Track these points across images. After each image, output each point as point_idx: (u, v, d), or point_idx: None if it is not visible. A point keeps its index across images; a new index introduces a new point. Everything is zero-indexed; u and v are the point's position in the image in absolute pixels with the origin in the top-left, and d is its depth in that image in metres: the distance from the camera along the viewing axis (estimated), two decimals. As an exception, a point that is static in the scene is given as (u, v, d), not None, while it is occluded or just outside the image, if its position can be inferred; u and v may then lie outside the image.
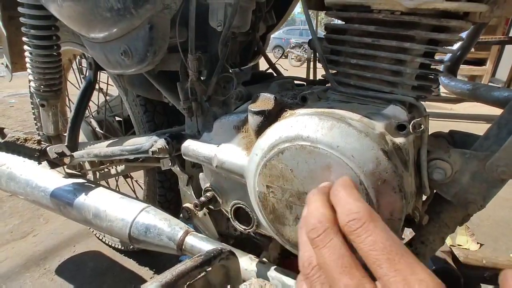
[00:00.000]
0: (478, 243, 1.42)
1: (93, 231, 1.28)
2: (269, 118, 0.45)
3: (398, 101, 0.45)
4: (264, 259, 0.62)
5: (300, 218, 0.44)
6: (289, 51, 8.11)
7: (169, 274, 0.44)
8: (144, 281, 1.10)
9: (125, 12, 0.50)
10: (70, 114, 0.92)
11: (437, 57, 0.47)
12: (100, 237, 1.24)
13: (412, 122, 0.39)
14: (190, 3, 0.52)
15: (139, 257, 1.20)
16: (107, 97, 1.04)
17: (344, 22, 0.47)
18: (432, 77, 0.45)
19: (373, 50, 0.45)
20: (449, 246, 1.30)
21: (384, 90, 0.46)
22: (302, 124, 0.40)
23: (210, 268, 0.48)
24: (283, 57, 8.43)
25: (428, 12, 0.40)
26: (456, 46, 0.69)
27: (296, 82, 0.66)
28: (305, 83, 0.69)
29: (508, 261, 1.14)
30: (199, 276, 0.46)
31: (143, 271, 1.14)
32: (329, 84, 0.53)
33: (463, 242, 1.42)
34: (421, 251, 0.52)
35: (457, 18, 0.40)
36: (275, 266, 0.58)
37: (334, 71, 0.50)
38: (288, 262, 0.66)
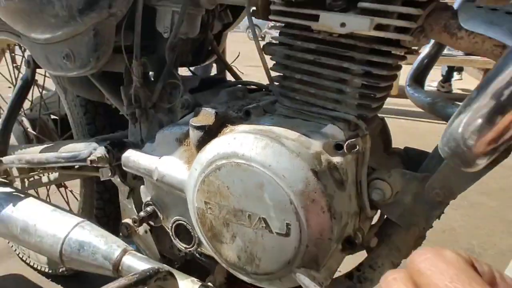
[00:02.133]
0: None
1: (15, 250, 1.33)
2: (209, 133, 0.55)
3: (341, 119, 0.56)
4: (209, 283, 0.72)
5: (236, 237, 0.54)
6: (266, 32, 8.18)
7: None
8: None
9: (70, 19, 0.59)
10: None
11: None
12: (24, 258, 1.30)
13: (346, 143, 0.51)
14: (137, 9, 0.62)
15: (69, 283, 1.26)
16: (43, 92, 1.12)
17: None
18: (374, 96, 0.56)
19: (316, 67, 0.56)
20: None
21: (327, 107, 0.57)
22: (238, 142, 0.51)
23: (145, 288, 0.58)
24: (260, 38, 8.52)
25: (362, 36, 0.51)
26: (422, 55, 0.82)
27: (250, 87, 0.77)
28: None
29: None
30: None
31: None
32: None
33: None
34: (369, 276, 0.63)
35: (389, 44, 0.52)
36: (218, 290, 0.68)
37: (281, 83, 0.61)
38: None
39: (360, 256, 0.67)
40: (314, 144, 0.51)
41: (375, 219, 0.68)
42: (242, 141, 0.50)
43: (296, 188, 0.47)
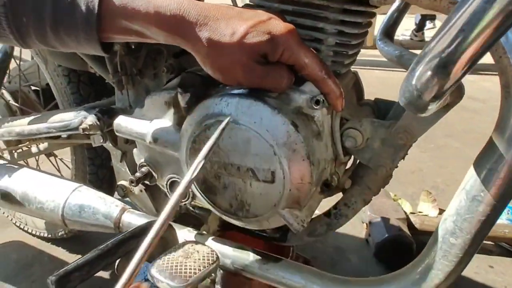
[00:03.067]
0: (439, 208, 1.73)
1: (11, 220, 1.37)
2: (196, 96, 0.59)
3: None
4: (203, 232, 0.79)
5: (227, 187, 0.60)
6: None
7: (109, 243, 0.59)
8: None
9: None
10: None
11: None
12: (22, 226, 1.35)
13: (314, 98, 0.56)
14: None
15: (69, 244, 1.33)
16: (20, 63, 1.11)
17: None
18: (347, 53, 0.61)
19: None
20: (408, 213, 1.59)
21: (304, 66, 0.62)
22: (225, 103, 0.55)
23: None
24: None
25: (334, -3, 0.55)
26: (391, 10, 0.86)
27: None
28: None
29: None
30: (135, 246, 0.61)
31: (75, 259, 1.28)
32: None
33: (424, 209, 1.72)
34: (344, 213, 0.71)
35: (360, 4, 0.56)
36: (213, 237, 0.75)
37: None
38: (228, 235, 0.84)
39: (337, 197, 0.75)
40: (293, 100, 0.56)
41: (349, 164, 0.75)
42: (228, 101, 0.55)
43: (279, 140, 0.53)
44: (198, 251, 0.53)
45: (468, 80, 3.39)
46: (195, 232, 0.77)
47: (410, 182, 1.94)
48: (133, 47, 0.72)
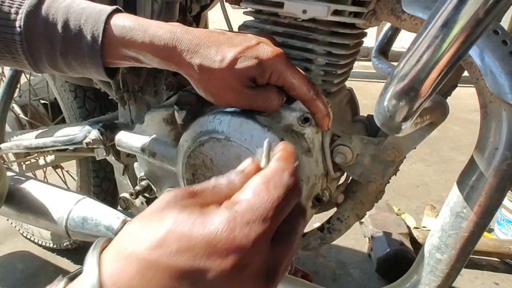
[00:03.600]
0: (443, 224, 1.72)
1: (19, 230, 1.41)
2: (191, 114, 0.62)
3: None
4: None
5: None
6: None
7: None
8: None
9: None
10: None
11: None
12: (28, 236, 1.39)
13: (302, 117, 0.59)
14: (118, 0, 0.67)
15: (74, 255, 1.36)
16: (30, 78, 1.16)
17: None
18: (336, 72, 0.64)
19: (284, 48, 0.63)
20: (412, 228, 1.59)
21: (296, 85, 0.65)
22: (218, 120, 0.58)
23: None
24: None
25: (323, 20, 0.58)
26: (385, 28, 0.89)
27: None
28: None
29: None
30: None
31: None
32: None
33: (428, 224, 1.71)
34: (337, 227, 0.73)
35: (346, 27, 0.59)
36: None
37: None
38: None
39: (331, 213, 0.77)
40: (284, 118, 0.59)
41: (342, 180, 0.77)
42: (221, 120, 0.58)
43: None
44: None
45: (475, 93, 3.39)
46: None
47: (414, 196, 1.94)
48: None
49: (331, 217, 0.74)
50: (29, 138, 0.92)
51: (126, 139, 0.73)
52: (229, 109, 0.59)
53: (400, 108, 0.36)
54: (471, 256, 1.57)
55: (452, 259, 0.55)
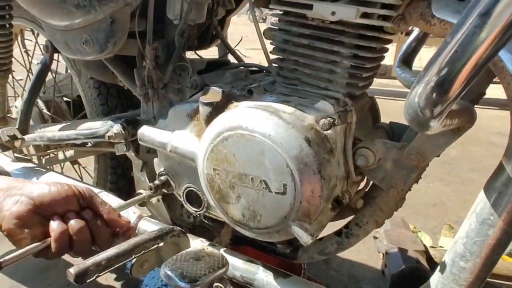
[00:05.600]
0: (461, 245, 1.68)
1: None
2: (216, 109, 0.64)
3: (331, 96, 0.65)
4: (216, 244, 0.82)
5: (241, 197, 0.63)
6: (267, 13, 8.22)
7: (126, 244, 0.62)
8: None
9: (90, 8, 0.67)
10: (13, 93, 1.07)
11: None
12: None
13: (326, 119, 0.59)
14: (149, -1, 0.70)
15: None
16: (55, 75, 1.20)
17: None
18: (361, 75, 0.65)
19: (310, 50, 0.64)
20: (428, 247, 1.56)
21: (320, 86, 0.66)
22: (242, 116, 0.60)
23: (162, 244, 0.67)
24: (261, 20, 8.53)
25: (350, 23, 0.60)
26: (411, 38, 0.90)
27: (252, 69, 0.85)
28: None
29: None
30: (151, 248, 0.65)
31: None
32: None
33: (445, 244, 1.68)
34: (355, 232, 0.73)
35: (374, 30, 0.60)
36: (224, 249, 0.78)
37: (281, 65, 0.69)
38: (240, 249, 0.86)
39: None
40: (307, 117, 0.60)
41: (362, 185, 0.77)
42: (246, 115, 0.59)
43: (292, 153, 0.56)
44: (209, 255, 0.56)
45: (498, 116, 3.35)
46: (208, 243, 0.80)
47: (431, 215, 1.91)
48: (162, 62, 0.78)
49: (349, 222, 0.74)
50: (53, 131, 0.95)
51: (149, 133, 0.74)
52: (253, 104, 0.61)
53: (431, 103, 0.36)
54: (491, 280, 1.52)
55: (477, 268, 0.54)
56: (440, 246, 1.66)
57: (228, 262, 0.56)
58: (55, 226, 0.53)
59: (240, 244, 0.88)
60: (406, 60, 0.93)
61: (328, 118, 0.60)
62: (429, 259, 1.43)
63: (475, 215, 0.54)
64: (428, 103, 0.36)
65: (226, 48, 0.98)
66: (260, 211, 0.62)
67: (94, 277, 0.55)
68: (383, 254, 1.45)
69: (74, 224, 0.54)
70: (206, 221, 0.89)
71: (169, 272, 0.52)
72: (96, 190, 0.91)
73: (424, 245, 1.49)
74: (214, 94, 0.65)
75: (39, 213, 0.52)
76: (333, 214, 0.69)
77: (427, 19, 0.56)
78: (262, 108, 0.60)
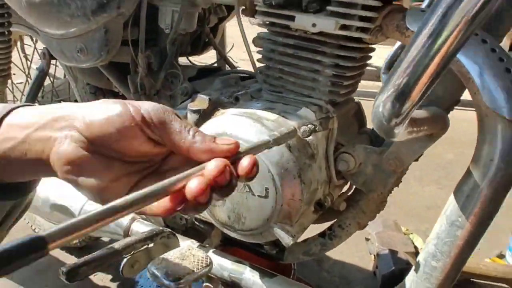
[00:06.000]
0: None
1: (31, 226, 1.47)
2: (203, 116, 0.67)
3: (314, 104, 0.68)
4: (206, 245, 0.85)
5: (226, 200, 0.67)
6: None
7: (117, 244, 0.66)
8: (86, 279, 1.32)
9: (84, 18, 0.71)
10: (12, 97, 1.11)
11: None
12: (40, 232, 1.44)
13: (307, 126, 0.63)
14: (141, 9, 0.73)
15: (82, 253, 1.40)
16: (54, 80, 1.23)
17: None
18: (342, 83, 0.68)
19: (294, 59, 0.67)
20: (420, 248, 1.58)
21: (304, 93, 0.69)
22: (227, 123, 0.63)
23: (152, 244, 0.71)
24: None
25: (331, 34, 0.63)
26: (396, 45, 0.93)
27: (242, 75, 0.88)
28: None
29: (481, 266, 1.41)
30: (141, 249, 0.68)
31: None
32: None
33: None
34: (338, 234, 0.76)
35: (353, 41, 0.63)
36: (213, 249, 0.81)
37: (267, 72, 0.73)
38: (230, 250, 0.89)
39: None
40: (289, 124, 0.63)
41: (345, 188, 0.80)
42: (231, 122, 0.63)
43: (273, 159, 0.60)
44: (194, 254, 0.59)
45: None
46: (198, 244, 0.83)
47: (425, 218, 1.93)
48: (154, 69, 0.82)
49: (332, 224, 0.77)
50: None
51: (141, 138, 0.78)
52: (237, 111, 0.64)
53: (393, 111, 0.40)
54: (478, 280, 1.54)
55: (447, 267, 0.57)
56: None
57: (212, 262, 0.59)
58: None
59: (230, 246, 0.91)
60: (391, 66, 0.96)
61: (309, 125, 0.63)
62: (420, 261, 1.46)
63: (445, 217, 0.57)
64: (390, 112, 0.39)
65: (219, 55, 1.01)
66: (244, 214, 0.65)
67: (85, 276, 0.58)
68: (374, 255, 1.48)
69: None
70: (197, 223, 0.92)
71: (155, 271, 0.55)
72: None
73: (415, 247, 1.52)
74: (202, 101, 0.68)
75: (99, 152, 0.34)
76: (316, 217, 0.72)
77: (402, 31, 0.60)
78: (246, 115, 0.63)
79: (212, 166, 0.31)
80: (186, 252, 0.59)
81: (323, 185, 0.69)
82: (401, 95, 0.38)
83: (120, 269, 0.70)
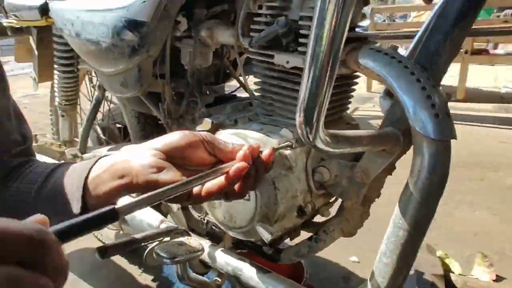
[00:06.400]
0: (496, 275, 1.67)
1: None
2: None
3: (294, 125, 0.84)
4: (216, 245, 1.04)
5: (221, 203, 0.85)
6: None
7: (138, 235, 0.87)
8: (132, 277, 1.57)
9: (124, 60, 0.96)
10: (80, 120, 1.42)
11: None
12: (98, 236, 1.74)
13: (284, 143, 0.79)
14: (166, 51, 0.97)
15: (130, 257, 1.67)
16: (111, 105, 1.54)
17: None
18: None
19: (278, 88, 0.85)
20: (457, 274, 1.60)
21: (289, 116, 0.86)
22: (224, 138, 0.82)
23: (168, 238, 0.91)
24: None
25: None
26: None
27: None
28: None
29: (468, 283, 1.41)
30: (158, 239, 0.88)
31: (133, 269, 1.61)
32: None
33: (477, 273, 1.69)
34: (323, 238, 0.90)
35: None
36: (222, 249, 0.99)
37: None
38: (240, 254, 1.06)
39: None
40: (270, 141, 0.81)
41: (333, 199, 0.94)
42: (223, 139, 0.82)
43: (253, 169, 0.77)
44: (190, 242, 0.78)
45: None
46: (210, 243, 1.02)
47: (470, 243, 1.91)
48: (176, 98, 1.05)
49: (318, 229, 0.91)
50: (102, 151, 1.26)
51: (164, 153, 1.00)
52: (232, 131, 0.83)
53: (304, 124, 0.55)
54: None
55: (394, 264, 0.69)
56: (471, 275, 1.68)
57: (204, 249, 0.77)
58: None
59: (240, 248, 1.08)
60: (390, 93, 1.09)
61: (287, 142, 0.80)
62: (450, 284, 1.48)
63: (392, 220, 0.69)
64: (304, 129, 0.55)
65: (239, 84, 1.22)
66: (234, 214, 0.83)
67: (110, 256, 0.80)
68: (401, 275, 1.53)
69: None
70: (213, 227, 1.11)
71: (158, 251, 0.75)
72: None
73: (446, 270, 1.54)
74: (206, 123, 0.88)
75: (170, 161, 0.50)
76: (300, 221, 0.87)
77: (358, 65, 0.75)
78: (235, 134, 0.82)
79: (241, 156, 0.52)
80: (185, 241, 0.79)
81: (303, 193, 0.84)
82: (308, 110, 0.54)
83: (144, 256, 0.92)
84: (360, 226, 0.92)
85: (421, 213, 0.65)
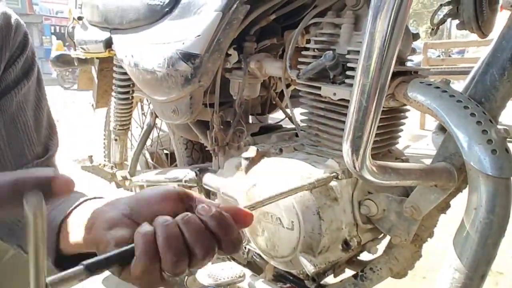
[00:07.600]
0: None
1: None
2: (252, 162, 0.89)
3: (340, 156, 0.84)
4: (260, 278, 1.02)
5: (264, 230, 0.85)
6: None
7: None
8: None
9: (177, 89, 1.01)
10: (130, 145, 1.49)
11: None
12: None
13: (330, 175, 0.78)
14: (216, 81, 1.02)
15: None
16: (160, 132, 1.61)
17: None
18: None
19: (325, 119, 0.86)
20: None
21: (335, 148, 0.86)
22: (265, 169, 0.83)
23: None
24: None
25: (352, 100, 0.80)
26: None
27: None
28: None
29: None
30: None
31: None
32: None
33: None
34: (369, 276, 0.86)
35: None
36: (262, 279, 0.98)
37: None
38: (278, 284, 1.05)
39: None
40: (315, 173, 0.80)
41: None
42: (267, 169, 0.83)
43: (297, 198, 0.77)
44: (232, 268, 0.78)
45: None
46: (251, 273, 1.01)
47: (494, 283, 1.75)
48: (222, 126, 1.08)
49: (365, 267, 0.88)
50: (150, 175, 1.31)
51: (209, 180, 1.03)
52: (275, 160, 0.84)
53: (354, 157, 0.55)
54: None
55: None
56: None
57: (245, 275, 0.77)
58: (141, 228, 0.40)
59: (282, 281, 1.06)
60: (443, 127, 1.06)
61: (333, 173, 0.79)
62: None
63: (447, 262, 0.66)
64: (351, 158, 0.55)
65: (285, 115, 1.24)
66: (277, 243, 0.82)
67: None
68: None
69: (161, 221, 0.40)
70: (254, 257, 1.10)
71: (205, 276, 0.76)
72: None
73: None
74: (251, 151, 0.90)
75: (132, 217, 0.43)
76: (345, 255, 0.85)
77: (407, 98, 0.74)
78: (279, 162, 0.82)
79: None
80: (228, 266, 0.79)
81: (349, 226, 0.82)
82: (355, 141, 0.54)
83: (184, 280, 0.93)
84: (411, 267, 0.88)
85: (478, 253, 0.61)
